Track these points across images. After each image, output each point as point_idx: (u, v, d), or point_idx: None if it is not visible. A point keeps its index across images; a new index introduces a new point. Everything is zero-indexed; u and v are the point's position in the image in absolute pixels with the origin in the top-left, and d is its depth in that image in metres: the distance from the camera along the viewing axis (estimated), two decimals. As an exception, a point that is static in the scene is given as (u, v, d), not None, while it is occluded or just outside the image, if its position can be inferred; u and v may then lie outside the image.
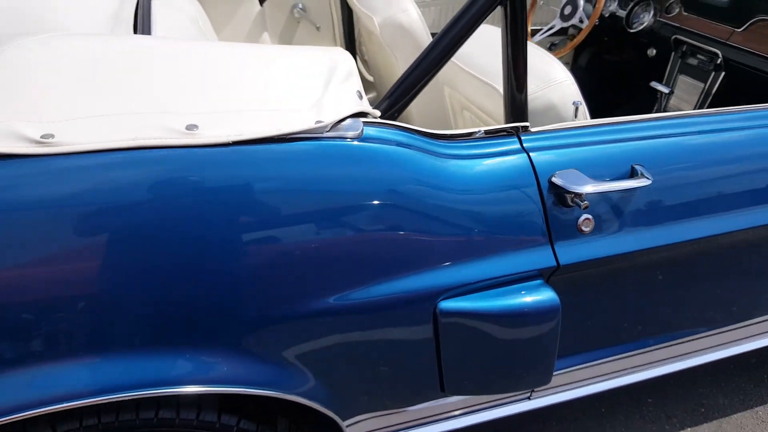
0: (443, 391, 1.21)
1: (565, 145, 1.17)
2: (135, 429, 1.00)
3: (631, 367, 1.46)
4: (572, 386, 1.40)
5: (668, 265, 1.30)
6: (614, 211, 1.19)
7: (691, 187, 1.25)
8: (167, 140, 0.90)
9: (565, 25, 2.45)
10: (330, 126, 0.99)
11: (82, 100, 0.93)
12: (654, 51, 2.44)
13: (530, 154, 1.14)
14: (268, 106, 0.99)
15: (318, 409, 1.09)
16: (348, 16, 2.06)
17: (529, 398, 1.37)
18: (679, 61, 2.29)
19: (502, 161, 1.12)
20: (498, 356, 1.15)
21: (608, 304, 1.31)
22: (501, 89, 1.17)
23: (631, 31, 2.42)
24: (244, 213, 0.94)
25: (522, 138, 1.15)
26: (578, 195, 1.11)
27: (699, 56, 2.21)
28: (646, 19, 2.39)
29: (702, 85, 2.18)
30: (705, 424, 1.81)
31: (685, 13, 2.32)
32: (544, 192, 1.13)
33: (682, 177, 1.24)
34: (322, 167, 0.98)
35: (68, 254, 0.89)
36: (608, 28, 2.52)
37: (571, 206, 1.13)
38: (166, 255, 0.92)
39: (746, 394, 1.91)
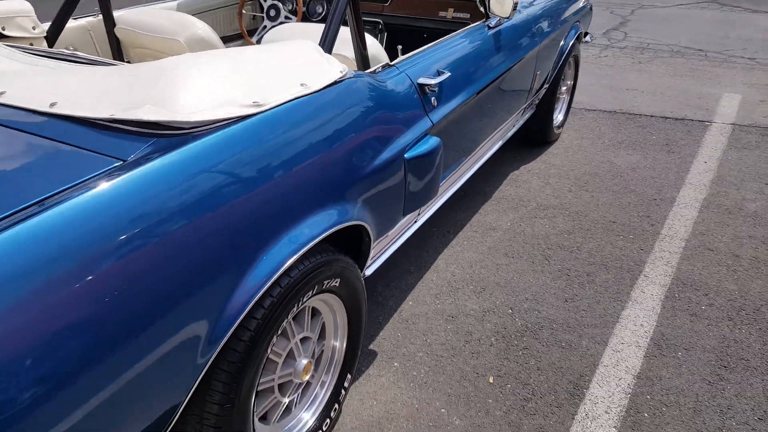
0: (406, 214, 1.99)
1: (414, 65, 2.04)
2: (311, 270, 1.50)
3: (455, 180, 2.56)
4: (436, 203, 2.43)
5: (469, 110, 2.37)
6: (443, 90, 2.13)
7: (466, 69, 2.34)
8: (307, 88, 1.54)
9: (275, 24, 3.14)
10: (346, 74, 1.68)
11: (257, 80, 1.46)
12: None
13: (406, 72, 1.98)
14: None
15: (370, 233, 1.78)
16: (117, 48, 2.41)
17: (417, 217, 2.28)
18: None
19: (399, 78, 1.94)
20: (425, 176, 1.96)
21: (451, 137, 2.28)
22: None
23: (315, 20, 3.35)
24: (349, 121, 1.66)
25: (398, 67, 1.98)
26: (431, 86, 2.00)
27: (368, 26, 3.18)
28: (322, 9, 3.35)
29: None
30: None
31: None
32: (416, 88, 1.98)
33: (460, 68, 2.28)
34: (351, 93, 1.68)
35: (276, 167, 1.37)
36: (305, 20, 3.37)
37: (428, 93, 2.02)
38: (327, 155, 1.53)
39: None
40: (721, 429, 1.91)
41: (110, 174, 1.11)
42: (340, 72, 1.65)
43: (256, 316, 1.35)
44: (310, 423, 1.73)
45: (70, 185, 1.08)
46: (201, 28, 2.14)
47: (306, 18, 3.38)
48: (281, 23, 3.13)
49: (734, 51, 6.20)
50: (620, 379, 2.11)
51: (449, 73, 2.14)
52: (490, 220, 3.11)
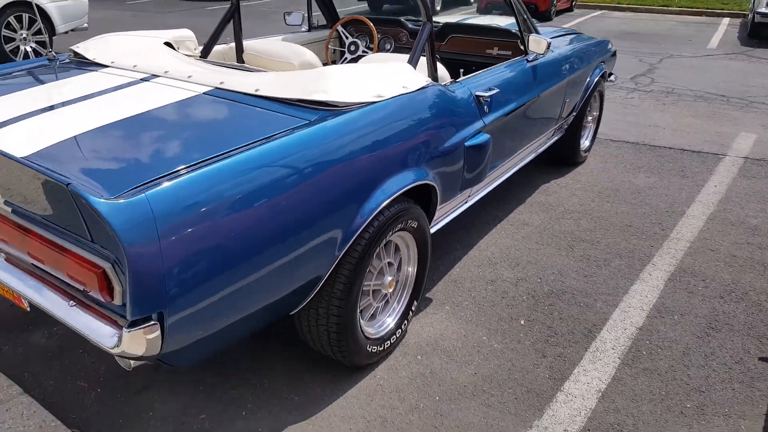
0: (462, 190, 2.65)
1: (472, 82, 2.73)
2: (400, 210, 2.16)
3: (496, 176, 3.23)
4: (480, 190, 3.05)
5: (510, 120, 3.00)
6: (493, 102, 2.77)
7: (510, 89, 2.98)
8: (407, 89, 2.28)
9: (354, 56, 3.87)
10: (429, 83, 2.39)
11: (375, 82, 2.21)
12: None
13: (467, 86, 2.67)
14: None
15: (438, 194, 2.44)
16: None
17: (468, 199, 2.90)
18: None
19: (462, 90, 2.61)
20: (478, 163, 2.63)
21: (497, 139, 2.83)
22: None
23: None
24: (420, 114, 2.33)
25: (461, 83, 2.67)
26: (484, 97, 2.67)
27: None
28: (390, 46, 4.08)
29: None
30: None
31: (412, 39, 4.10)
32: (474, 98, 2.65)
33: (505, 87, 2.92)
34: (433, 96, 2.38)
35: (387, 136, 2.09)
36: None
37: (482, 102, 2.69)
38: (417, 133, 2.25)
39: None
40: (704, 366, 2.46)
41: (301, 127, 1.84)
42: (426, 81, 2.34)
43: (368, 231, 2.01)
44: (391, 326, 2.37)
45: (281, 131, 1.80)
46: (309, 55, 2.89)
47: (378, 52, 4.13)
48: (359, 56, 3.86)
49: (756, 98, 6.77)
50: (625, 329, 2.68)
51: (498, 90, 2.81)
52: (523, 218, 3.73)
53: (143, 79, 2.25)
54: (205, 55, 3.03)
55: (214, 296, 1.52)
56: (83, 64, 2.54)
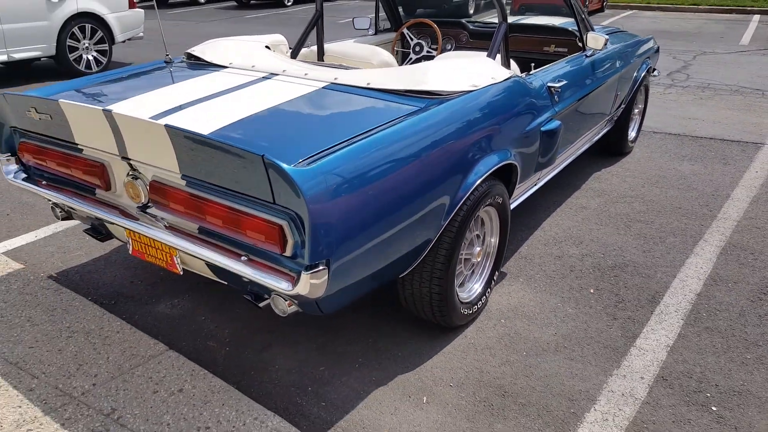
0: (535, 171, 2.99)
1: (543, 74, 3.08)
2: (489, 187, 2.47)
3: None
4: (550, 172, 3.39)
5: (575, 109, 3.33)
6: (562, 92, 3.12)
7: (574, 81, 3.31)
8: (495, 80, 2.62)
9: (418, 56, 4.14)
10: (510, 75, 2.71)
11: (467, 74, 2.54)
12: None
13: (541, 78, 3.00)
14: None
15: (518, 173, 2.74)
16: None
17: (537, 181, 3.21)
18: None
19: (537, 81, 2.95)
20: (550, 147, 2.98)
21: (567, 125, 3.21)
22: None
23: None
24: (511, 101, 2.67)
25: (534, 75, 3.00)
26: (556, 87, 3.02)
27: None
28: (451, 46, 4.46)
29: None
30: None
31: (472, 39, 4.53)
32: (545, 89, 2.97)
33: (570, 79, 3.23)
34: (515, 86, 2.70)
35: (479, 118, 2.40)
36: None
37: (553, 93, 3.02)
38: (503, 118, 2.58)
39: None
40: (759, 325, 2.72)
41: (416, 112, 2.18)
42: (510, 73, 2.65)
43: (466, 204, 2.32)
44: (478, 291, 2.69)
45: (402, 115, 2.14)
46: (386, 55, 3.23)
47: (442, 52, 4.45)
48: (423, 57, 4.17)
49: (789, 92, 6.95)
50: (685, 295, 2.95)
51: (565, 81, 3.11)
52: (581, 202, 4.01)
53: (265, 77, 2.59)
54: (294, 56, 3.37)
55: (362, 247, 1.84)
56: (201, 65, 2.90)
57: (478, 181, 2.33)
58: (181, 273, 2.26)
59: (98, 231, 2.62)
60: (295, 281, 1.74)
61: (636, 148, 5.08)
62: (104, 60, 8.00)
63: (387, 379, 2.38)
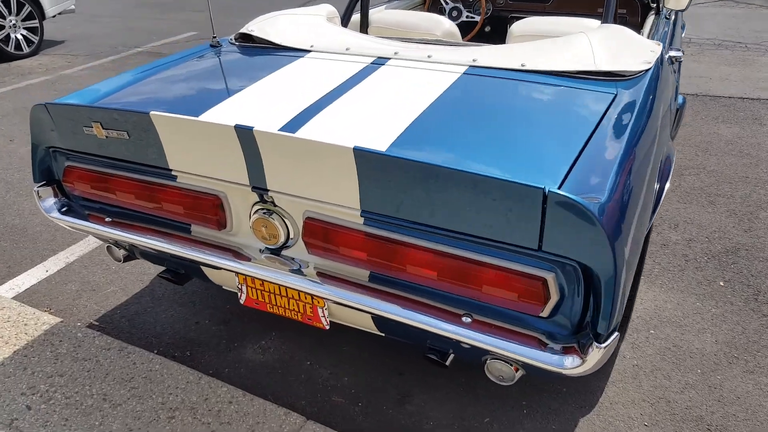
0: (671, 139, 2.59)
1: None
2: None
3: None
4: None
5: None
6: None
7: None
8: (655, 53, 2.11)
9: (457, 23, 3.71)
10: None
11: (634, 51, 2.05)
12: (488, 27, 4.10)
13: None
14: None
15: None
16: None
17: None
18: None
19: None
20: (680, 120, 2.64)
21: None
22: None
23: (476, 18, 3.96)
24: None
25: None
26: (677, 57, 2.53)
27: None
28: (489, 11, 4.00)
29: None
30: None
31: (511, 1, 4.06)
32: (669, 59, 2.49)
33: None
34: (666, 61, 2.33)
35: (657, 96, 1.94)
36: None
37: (673, 63, 2.55)
38: (667, 90, 2.20)
39: None
40: None
41: (616, 99, 1.77)
42: (659, 46, 2.23)
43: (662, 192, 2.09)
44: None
45: (605, 107, 1.69)
46: (448, 23, 2.65)
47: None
48: (462, 23, 3.69)
49: (766, 43, 6.95)
50: (817, 280, 2.72)
51: (681, 51, 2.72)
52: (647, 178, 3.72)
53: (375, 63, 2.05)
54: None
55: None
56: (269, 48, 2.31)
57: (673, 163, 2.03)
58: (327, 328, 1.76)
59: (179, 275, 2.05)
60: (582, 355, 1.29)
61: (665, 112, 4.86)
62: (35, 39, 6.94)
63: (570, 427, 2.00)
